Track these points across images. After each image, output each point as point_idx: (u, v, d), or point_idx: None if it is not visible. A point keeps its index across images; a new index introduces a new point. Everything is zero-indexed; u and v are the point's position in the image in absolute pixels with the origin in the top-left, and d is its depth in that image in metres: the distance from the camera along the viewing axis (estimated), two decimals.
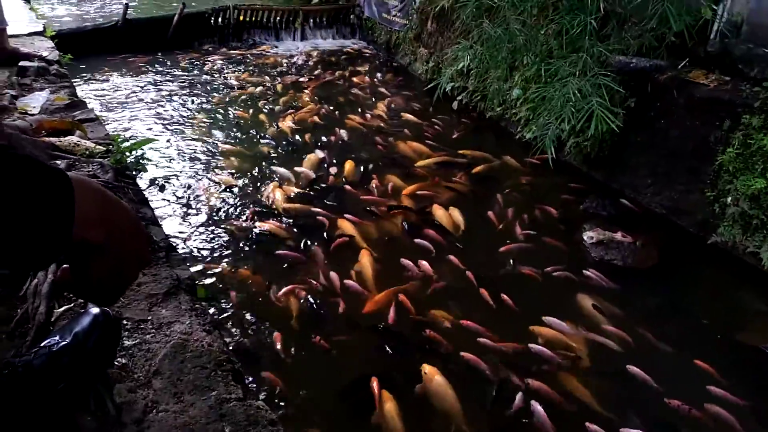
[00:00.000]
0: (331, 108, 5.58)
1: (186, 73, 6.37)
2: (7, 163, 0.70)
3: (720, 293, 3.26)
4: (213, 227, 3.53)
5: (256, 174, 4.22)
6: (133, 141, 2.75)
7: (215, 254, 3.28)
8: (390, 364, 2.62)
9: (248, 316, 2.84)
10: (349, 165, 4.33)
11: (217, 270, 3.13)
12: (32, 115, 2.83)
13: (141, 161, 2.49)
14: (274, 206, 3.79)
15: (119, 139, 2.53)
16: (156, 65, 6.54)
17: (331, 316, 2.86)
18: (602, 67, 3.95)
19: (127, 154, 2.48)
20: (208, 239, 3.40)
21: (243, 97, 5.75)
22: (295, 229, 3.56)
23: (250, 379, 2.45)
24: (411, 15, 6.71)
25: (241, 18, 7.60)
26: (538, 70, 4.45)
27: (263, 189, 4.00)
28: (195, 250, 3.29)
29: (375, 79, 6.55)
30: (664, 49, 3.96)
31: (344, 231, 3.55)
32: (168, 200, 3.77)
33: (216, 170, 4.23)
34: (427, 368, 2.53)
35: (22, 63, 3.51)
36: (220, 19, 7.49)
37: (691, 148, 3.72)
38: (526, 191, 4.13)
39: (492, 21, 4.73)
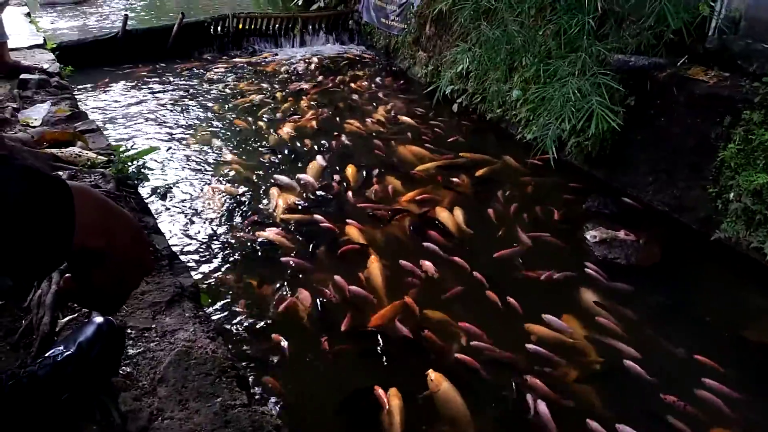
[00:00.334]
0: (332, 114, 5.59)
1: (186, 83, 6.39)
2: (6, 173, 0.70)
3: (724, 289, 3.25)
4: (216, 235, 3.53)
5: (258, 182, 4.22)
6: (134, 151, 2.76)
7: (218, 262, 3.28)
8: (398, 372, 2.60)
9: (252, 324, 2.84)
10: (351, 170, 4.34)
11: (220, 277, 3.14)
12: (34, 127, 2.84)
13: (143, 171, 2.50)
14: (276, 214, 3.79)
15: (121, 149, 2.54)
16: (156, 75, 6.57)
17: (339, 324, 2.85)
18: (601, 66, 3.96)
19: (129, 163, 2.49)
20: (211, 247, 3.41)
21: (243, 105, 5.76)
22: (299, 237, 3.56)
23: (256, 387, 2.45)
24: (409, 19, 6.73)
25: (241, 26, 7.63)
26: (537, 71, 4.46)
27: (266, 197, 4.01)
28: (198, 258, 3.30)
29: (375, 84, 6.56)
30: (662, 47, 3.97)
31: (351, 237, 3.54)
32: (170, 209, 3.78)
33: (218, 179, 4.24)
34: (433, 375, 2.52)
35: (23, 76, 3.53)
36: (219, 28, 7.52)
37: (692, 145, 3.71)
38: (528, 192, 4.13)
39: (490, 23, 4.75)
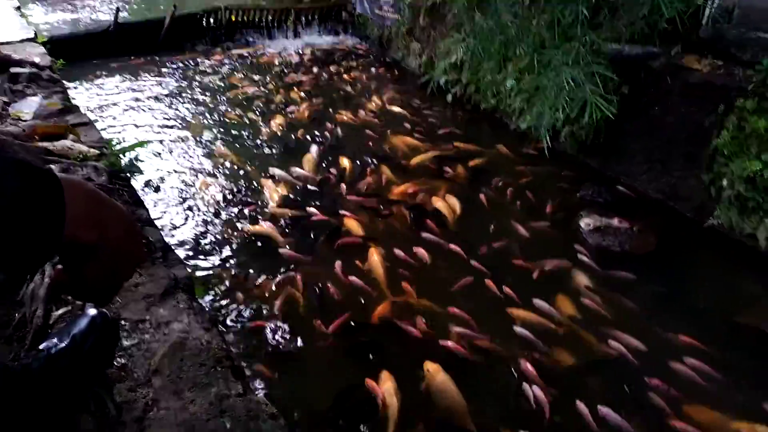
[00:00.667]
0: (325, 105, 5.57)
1: (179, 75, 6.36)
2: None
3: (718, 276, 3.27)
4: (209, 228, 3.52)
5: (252, 174, 4.21)
6: (126, 144, 2.75)
7: (213, 255, 3.28)
8: (396, 364, 2.60)
9: (247, 315, 2.84)
10: (345, 162, 4.33)
11: (214, 270, 3.13)
12: (25, 120, 2.82)
13: (135, 163, 2.49)
14: (271, 207, 3.78)
15: (113, 143, 2.53)
16: (148, 68, 6.53)
17: (337, 316, 2.84)
18: (595, 56, 3.95)
19: (121, 156, 2.48)
20: (205, 240, 3.40)
21: (237, 97, 5.74)
22: (294, 230, 3.55)
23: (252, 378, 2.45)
24: (403, 10, 6.70)
25: (233, 18, 7.57)
26: (531, 61, 4.45)
27: (260, 189, 4.00)
28: (192, 250, 3.29)
29: (368, 75, 6.54)
30: (656, 36, 3.95)
31: (350, 230, 3.54)
32: (163, 201, 3.77)
33: (211, 171, 4.23)
34: (429, 366, 2.53)
35: (13, 69, 3.50)
36: (212, 20, 7.47)
37: (686, 133, 3.72)
38: (522, 181, 4.13)
39: (483, 13, 4.73)
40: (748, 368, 2.61)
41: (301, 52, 7.33)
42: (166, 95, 5.75)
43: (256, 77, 6.37)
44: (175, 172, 4.20)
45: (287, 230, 3.55)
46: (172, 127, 5.02)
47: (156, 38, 7.02)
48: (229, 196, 3.88)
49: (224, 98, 5.72)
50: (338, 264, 3.21)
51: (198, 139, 4.77)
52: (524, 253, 3.37)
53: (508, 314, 2.90)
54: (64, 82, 3.72)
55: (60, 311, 1.58)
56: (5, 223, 0.69)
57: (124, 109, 5.35)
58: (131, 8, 8.28)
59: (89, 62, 6.36)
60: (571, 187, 4.05)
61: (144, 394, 1.35)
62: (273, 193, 3.90)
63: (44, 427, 1.24)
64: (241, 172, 4.23)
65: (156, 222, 2.29)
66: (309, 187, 4.06)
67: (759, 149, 3.25)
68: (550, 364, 2.61)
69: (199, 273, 3.05)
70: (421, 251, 3.33)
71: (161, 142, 4.68)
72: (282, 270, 3.18)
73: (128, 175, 2.44)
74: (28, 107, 3.03)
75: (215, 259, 3.23)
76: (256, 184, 4.06)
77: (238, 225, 3.56)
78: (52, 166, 2.24)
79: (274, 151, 4.62)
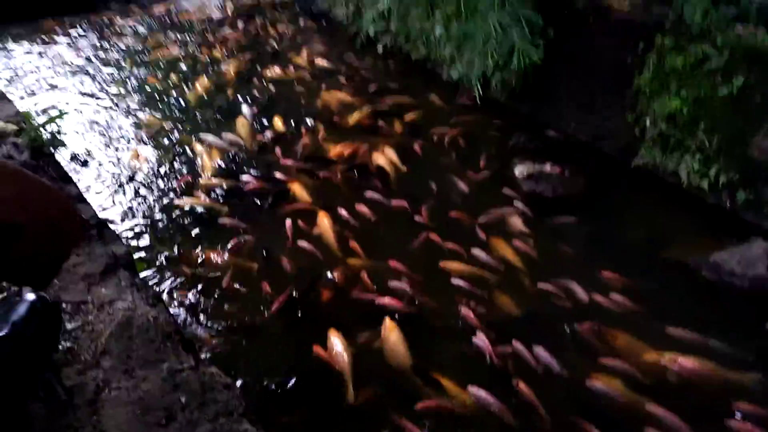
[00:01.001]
0: (253, 62, 5.41)
1: (93, 38, 6.02)
2: None
3: (645, 214, 3.42)
4: (145, 201, 3.42)
5: (184, 141, 4.07)
6: (44, 117, 2.60)
7: (150, 228, 3.19)
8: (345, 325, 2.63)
9: (193, 288, 2.79)
10: (278, 123, 4.26)
11: (154, 244, 3.04)
12: None
13: (58, 137, 2.37)
14: (205, 175, 3.68)
15: (29, 116, 2.39)
16: (58, 31, 6.14)
17: (286, 283, 2.84)
18: None
19: (42, 130, 2.36)
20: (142, 213, 3.30)
21: (159, 59, 5.49)
22: (234, 198, 3.48)
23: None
24: None
25: None
26: (458, 6, 4.43)
27: (193, 158, 3.88)
28: (129, 225, 3.18)
29: (295, 28, 6.37)
30: None
31: (295, 194, 3.50)
32: (92, 176, 3.61)
33: (140, 140, 4.06)
34: (388, 322, 2.57)
35: None
36: None
37: (610, 74, 3.81)
38: (457, 132, 4.15)
39: None
40: (669, 299, 2.78)
41: (222, 6, 7.04)
42: (82, 61, 5.44)
43: (177, 36, 6.10)
44: (102, 144, 4.02)
45: (226, 199, 3.47)
46: (91, 95, 4.78)
47: None
48: (163, 167, 3.76)
49: (145, 61, 5.47)
50: (287, 229, 3.19)
51: (120, 106, 4.57)
52: (463, 204, 3.44)
53: (448, 267, 2.98)
54: None
55: None
56: None
57: (37, 79, 5.04)
58: None
59: None
60: (503, 135, 4.12)
61: (94, 376, 1.33)
62: (208, 161, 3.79)
63: None
64: (172, 140, 4.09)
65: (87, 198, 2.21)
66: (245, 152, 3.96)
67: (678, 86, 3.37)
68: (490, 311, 2.71)
69: (137, 249, 2.96)
70: (365, 210, 3.34)
71: (82, 112, 4.45)
72: (225, 240, 3.11)
73: (51, 150, 2.33)
74: None
75: (154, 233, 3.14)
76: (189, 152, 3.94)
77: (174, 197, 3.46)
78: None
79: (204, 115, 4.47)
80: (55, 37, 5.99)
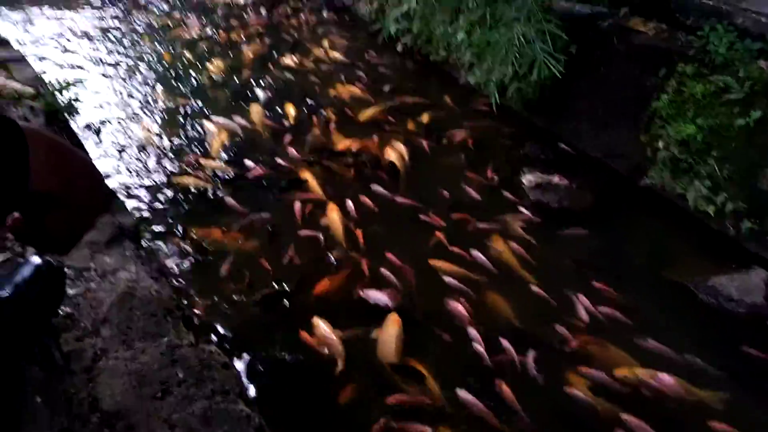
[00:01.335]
0: (272, 49, 5.41)
1: (115, 10, 6.02)
2: None
3: (649, 233, 3.43)
4: (153, 176, 3.40)
5: (196, 121, 4.06)
6: (62, 83, 2.59)
7: (159, 201, 3.18)
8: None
9: (196, 266, 2.77)
10: (291, 112, 4.25)
11: (160, 219, 3.03)
12: None
13: (73, 104, 2.37)
14: (214, 154, 3.67)
15: (51, 82, 2.39)
16: (83, 1, 6.14)
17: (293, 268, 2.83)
18: (546, 14, 3.98)
19: (58, 96, 2.35)
20: (151, 186, 3.29)
21: (179, 37, 5.49)
22: (240, 180, 3.47)
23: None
24: None
25: None
26: (483, 14, 4.44)
27: (206, 138, 3.86)
28: (135, 197, 3.17)
29: (317, 20, 6.36)
30: None
31: (307, 185, 3.48)
32: (105, 145, 3.61)
33: (151, 114, 4.06)
34: (393, 317, 2.57)
35: None
36: None
37: (628, 95, 3.82)
38: (470, 137, 4.14)
39: None
40: (662, 317, 2.81)
41: None
42: (102, 30, 5.45)
43: (199, 16, 6.09)
44: (115, 115, 4.01)
45: (233, 181, 3.46)
46: (109, 65, 4.78)
47: None
48: (173, 144, 3.75)
49: (165, 38, 5.47)
50: (296, 216, 3.18)
51: (137, 79, 4.56)
52: (469, 206, 3.44)
53: (444, 267, 2.98)
54: None
55: None
56: None
57: (56, 47, 5.04)
58: None
59: None
60: (515, 143, 4.12)
61: (92, 343, 1.33)
62: (217, 142, 3.77)
63: None
64: (185, 118, 4.08)
65: (98, 167, 2.20)
66: (256, 137, 3.94)
67: (695, 113, 3.38)
68: (483, 312, 2.72)
69: (143, 221, 2.95)
70: (372, 204, 3.33)
71: (98, 83, 4.45)
72: (229, 221, 3.10)
73: (66, 116, 2.32)
74: None
75: (163, 205, 3.14)
76: (200, 131, 3.93)
77: (181, 173, 3.45)
78: None
79: (218, 96, 4.47)
80: (78, 6, 5.99)
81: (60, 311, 1.40)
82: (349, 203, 3.31)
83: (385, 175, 3.63)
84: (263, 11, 6.42)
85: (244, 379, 1.27)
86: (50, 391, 1.22)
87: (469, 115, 4.45)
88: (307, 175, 3.54)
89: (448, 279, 2.87)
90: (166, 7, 6.31)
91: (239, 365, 2.14)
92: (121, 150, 3.60)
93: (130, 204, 3.05)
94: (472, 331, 2.55)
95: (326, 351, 2.39)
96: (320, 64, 5.17)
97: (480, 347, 2.49)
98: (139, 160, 3.53)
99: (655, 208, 3.55)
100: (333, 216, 3.18)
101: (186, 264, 2.75)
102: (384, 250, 3.00)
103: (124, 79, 4.56)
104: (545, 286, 2.88)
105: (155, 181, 3.34)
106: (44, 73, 2.87)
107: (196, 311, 2.27)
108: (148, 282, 1.53)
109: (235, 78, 4.75)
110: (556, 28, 3.86)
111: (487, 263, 3.00)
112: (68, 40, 5.16)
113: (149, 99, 4.30)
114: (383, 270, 2.88)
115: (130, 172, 3.39)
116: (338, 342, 2.40)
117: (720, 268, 2.98)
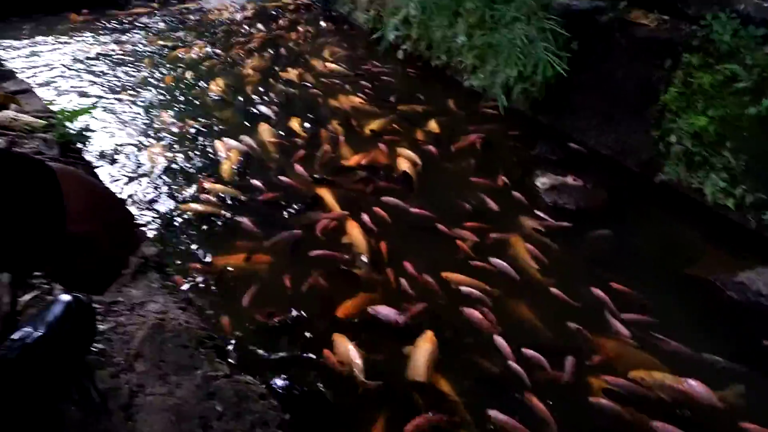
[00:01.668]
0: (272, 64, 5.41)
1: (115, 35, 6.04)
2: None
3: (667, 230, 3.40)
4: (169, 200, 3.36)
5: (205, 142, 4.04)
6: (70, 112, 2.58)
7: (176, 229, 3.14)
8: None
9: (218, 296, 2.71)
10: (298, 128, 4.23)
11: (179, 248, 2.98)
12: None
13: (85, 133, 2.36)
14: (224, 177, 3.62)
15: (60, 111, 2.38)
16: (83, 27, 6.17)
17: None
18: (545, 11, 3.97)
19: (70, 126, 2.35)
20: (166, 213, 3.25)
21: (178, 57, 5.50)
22: (253, 202, 3.43)
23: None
24: None
25: None
26: (482, 16, 4.43)
27: (215, 157, 3.84)
28: (154, 225, 3.13)
29: (315, 31, 6.37)
30: None
31: (322, 201, 3.44)
32: (118, 174, 3.58)
33: (157, 139, 4.04)
34: (428, 334, 2.51)
35: None
36: None
37: (634, 89, 3.80)
38: (478, 141, 4.12)
39: None
40: (687, 315, 2.77)
41: (242, 6, 7.06)
42: (103, 57, 5.44)
43: (198, 35, 6.11)
44: (124, 141, 3.99)
45: (245, 204, 3.40)
46: (114, 92, 4.77)
47: None
48: (181, 168, 3.71)
49: (165, 59, 5.48)
50: (316, 233, 3.14)
51: (142, 104, 4.56)
52: (483, 212, 3.42)
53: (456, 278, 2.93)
54: None
55: (27, 297, 1.51)
56: (3, 225, 0.64)
57: (58, 74, 5.04)
58: None
59: (15, 20, 5.97)
60: (524, 145, 4.10)
61: (127, 379, 1.32)
62: (227, 164, 3.73)
63: (28, 419, 1.20)
64: (192, 141, 4.05)
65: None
66: (264, 156, 3.91)
67: (705, 105, 3.35)
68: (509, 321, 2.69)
69: (164, 250, 2.90)
70: (388, 217, 3.30)
71: (105, 108, 4.45)
72: (247, 245, 3.04)
73: (80, 146, 2.32)
74: None
75: (177, 236, 3.08)
76: (208, 154, 3.89)
77: (196, 200, 3.38)
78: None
79: (224, 114, 4.45)
80: (79, 31, 6.01)
81: (93, 348, 1.38)
82: (367, 218, 3.26)
83: (397, 185, 3.60)
84: (260, 25, 6.44)
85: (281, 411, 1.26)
86: (88, 430, 1.21)
87: (475, 119, 4.43)
88: (322, 193, 3.49)
89: (470, 290, 2.82)
90: (165, 28, 6.32)
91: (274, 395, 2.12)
92: (133, 178, 3.56)
93: (150, 233, 3.01)
94: (500, 341, 2.52)
95: (354, 373, 2.33)
96: (322, 77, 5.17)
97: (509, 360, 2.45)
98: (152, 187, 3.49)
99: (671, 203, 3.52)
100: (354, 232, 3.13)
101: (210, 292, 2.70)
102: (405, 264, 2.95)
103: (129, 104, 4.55)
104: (569, 291, 2.84)
105: (169, 209, 3.28)
106: (51, 103, 2.86)
107: (225, 341, 2.25)
108: (177, 312, 1.52)
109: (238, 96, 4.74)
110: (557, 26, 3.86)
111: (509, 270, 2.96)
112: (71, 68, 5.16)
113: (155, 123, 4.27)
114: (407, 284, 2.83)
115: (145, 200, 3.34)
116: (361, 361, 2.35)
117: (745, 263, 2.94)
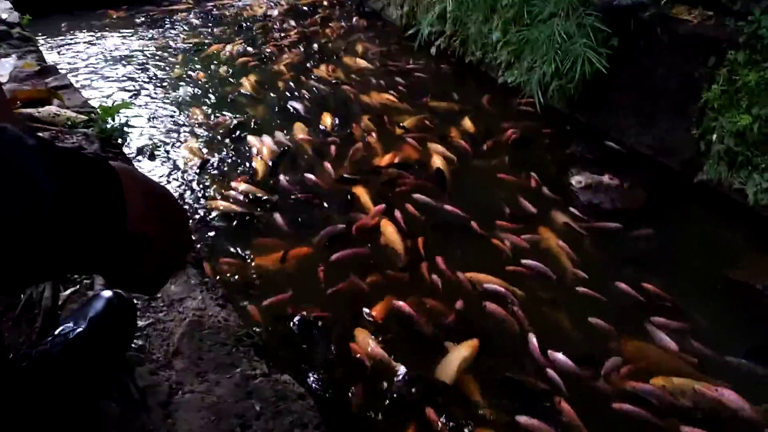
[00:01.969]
0: (305, 60, 5.42)
1: (151, 31, 6.12)
2: (38, 163, 0.64)
3: (708, 231, 3.31)
4: (207, 198, 3.39)
5: (238, 138, 4.07)
6: (109, 107, 2.61)
7: (212, 226, 3.16)
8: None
9: (257, 290, 2.73)
10: (330, 123, 4.24)
11: (217, 242, 3.00)
12: (2, 84, 2.68)
13: (125, 129, 2.39)
14: (259, 175, 3.63)
15: (102, 107, 2.41)
16: (119, 23, 6.26)
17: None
18: (585, 7, 3.90)
19: (110, 122, 2.37)
20: (203, 210, 3.27)
21: (212, 53, 5.54)
22: (287, 200, 3.43)
23: None
24: None
25: None
26: (518, 12, 4.37)
27: (247, 157, 3.85)
28: (192, 223, 3.14)
29: (348, 27, 6.37)
30: None
31: (359, 200, 3.42)
32: (157, 170, 3.62)
33: (196, 136, 4.08)
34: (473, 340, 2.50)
35: None
36: None
37: (675, 87, 3.70)
38: (513, 138, 4.08)
39: None
40: (728, 320, 2.68)
41: (277, 2, 7.10)
42: (141, 53, 5.53)
43: (233, 32, 6.16)
44: (161, 138, 4.03)
45: (280, 202, 3.40)
46: (152, 87, 4.84)
47: None
48: (221, 165, 3.73)
49: (200, 55, 5.52)
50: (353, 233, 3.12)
51: (180, 99, 4.61)
52: (518, 211, 3.37)
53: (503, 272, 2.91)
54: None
55: (68, 291, 1.53)
56: (66, 226, 0.64)
57: (98, 69, 5.13)
58: None
59: (54, 16, 6.08)
60: (560, 143, 4.03)
61: (166, 377, 1.32)
62: (263, 163, 3.73)
63: (69, 414, 1.21)
64: (228, 138, 4.07)
65: None
66: (301, 155, 3.90)
67: (749, 103, 3.24)
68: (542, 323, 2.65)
69: (203, 244, 2.93)
70: (422, 216, 3.28)
71: (143, 104, 4.51)
72: (285, 245, 3.02)
73: (120, 141, 2.34)
74: (3, 69, 2.88)
75: (212, 233, 3.10)
76: (244, 152, 3.90)
77: (231, 198, 3.39)
78: (41, 134, 2.14)
79: (258, 112, 4.47)
80: (116, 27, 6.11)
81: (132, 344, 1.39)
82: (401, 216, 3.24)
83: (431, 183, 3.57)
84: (293, 22, 6.46)
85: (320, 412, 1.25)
86: (128, 427, 1.21)
87: (510, 116, 4.37)
88: (357, 192, 3.48)
89: (503, 291, 2.78)
90: (200, 24, 6.38)
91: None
92: (171, 173, 3.60)
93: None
94: (533, 343, 2.48)
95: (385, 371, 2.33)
96: (355, 73, 5.16)
97: (540, 362, 2.42)
98: (188, 183, 3.52)
99: (712, 204, 3.42)
100: (388, 230, 3.11)
101: (247, 289, 2.70)
102: (441, 264, 2.92)
103: (164, 100, 4.61)
104: (603, 291, 2.79)
105: (205, 206, 3.30)
106: (91, 99, 2.89)
107: (263, 339, 2.25)
108: (215, 310, 1.52)
109: (271, 93, 4.76)
110: (597, 22, 3.78)
111: (546, 270, 2.91)
112: (107, 64, 5.25)
113: (190, 119, 4.31)
114: (442, 284, 2.81)
115: (182, 198, 3.38)
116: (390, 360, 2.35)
117: None
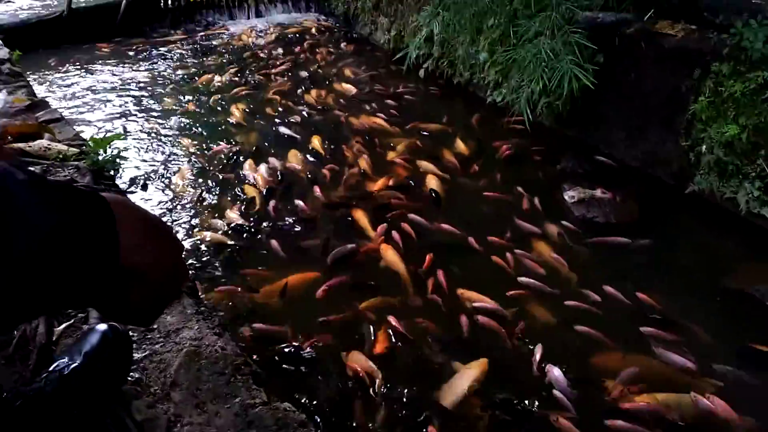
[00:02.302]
0: (295, 87, 5.44)
1: (140, 63, 6.14)
2: (32, 197, 0.63)
3: (701, 241, 3.33)
4: (201, 228, 3.37)
5: (232, 166, 4.07)
6: (100, 140, 2.60)
7: (211, 255, 3.14)
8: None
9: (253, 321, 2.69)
10: (322, 148, 4.25)
11: (208, 272, 2.98)
12: None
13: (117, 160, 2.38)
14: (255, 204, 3.62)
15: (93, 139, 2.40)
16: (109, 56, 6.29)
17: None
18: (570, 24, 3.95)
19: (102, 153, 2.37)
20: (198, 240, 3.27)
21: (202, 83, 5.56)
22: (284, 228, 3.43)
23: None
24: None
25: None
26: (504, 32, 4.42)
27: (241, 184, 3.84)
28: (187, 252, 3.13)
29: (336, 53, 6.42)
30: (629, 2, 3.97)
31: (354, 221, 3.43)
32: (150, 201, 3.60)
33: (189, 165, 4.07)
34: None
35: None
36: (170, 1, 7.23)
37: (662, 100, 3.74)
38: (504, 156, 4.11)
39: None
40: (726, 327, 2.70)
41: (265, 31, 7.15)
42: (130, 85, 5.54)
43: (223, 61, 6.19)
44: (154, 168, 4.02)
45: (276, 231, 3.38)
46: (141, 119, 4.84)
47: (113, 22, 6.75)
48: (214, 194, 3.73)
49: (189, 85, 5.55)
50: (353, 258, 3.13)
51: (170, 131, 4.61)
52: (512, 228, 3.38)
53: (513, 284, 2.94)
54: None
55: (62, 326, 1.51)
56: (57, 260, 0.63)
57: (87, 102, 5.14)
58: None
59: (43, 52, 6.12)
60: (551, 159, 4.05)
61: (164, 409, 1.30)
62: (258, 191, 3.73)
63: None
64: (222, 167, 4.07)
65: None
66: (296, 181, 3.90)
67: (736, 113, 3.28)
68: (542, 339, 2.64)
69: (197, 276, 2.90)
70: (415, 237, 3.29)
71: (133, 136, 4.50)
72: (284, 273, 3.01)
73: (112, 173, 2.34)
74: None
75: (215, 259, 3.09)
76: (239, 179, 3.90)
77: (225, 228, 3.37)
78: (32, 169, 2.13)
79: (251, 139, 4.48)
80: (103, 62, 6.13)
81: (129, 377, 1.37)
82: (399, 238, 3.24)
83: (429, 204, 3.59)
84: (282, 50, 6.50)
85: None
86: None
87: (499, 134, 4.40)
88: (355, 215, 3.48)
89: (493, 307, 2.78)
90: (190, 55, 6.42)
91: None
92: (164, 204, 3.58)
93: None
94: (537, 355, 2.48)
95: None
96: (344, 98, 5.18)
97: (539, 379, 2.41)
98: (182, 213, 3.51)
99: (704, 214, 3.45)
100: (389, 254, 3.12)
101: (243, 318, 2.67)
102: (444, 283, 2.93)
103: (155, 131, 4.61)
104: (600, 305, 2.80)
105: (200, 238, 3.28)
106: (82, 132, 2.88)
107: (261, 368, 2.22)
108: (212, 339, 1.50)
109: (262, 120, 4.77)
110: (583, 39, 3.83)
111: (542, 287, 2.92)
112: (98, 96, 5.26)
113: (183, 149, 4.30)
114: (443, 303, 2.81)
115: (177, 228, 3.35)
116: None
117: None
